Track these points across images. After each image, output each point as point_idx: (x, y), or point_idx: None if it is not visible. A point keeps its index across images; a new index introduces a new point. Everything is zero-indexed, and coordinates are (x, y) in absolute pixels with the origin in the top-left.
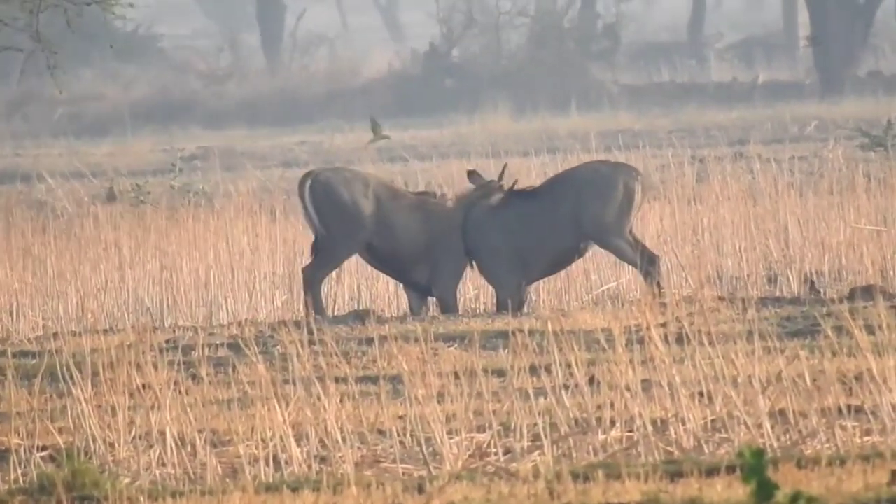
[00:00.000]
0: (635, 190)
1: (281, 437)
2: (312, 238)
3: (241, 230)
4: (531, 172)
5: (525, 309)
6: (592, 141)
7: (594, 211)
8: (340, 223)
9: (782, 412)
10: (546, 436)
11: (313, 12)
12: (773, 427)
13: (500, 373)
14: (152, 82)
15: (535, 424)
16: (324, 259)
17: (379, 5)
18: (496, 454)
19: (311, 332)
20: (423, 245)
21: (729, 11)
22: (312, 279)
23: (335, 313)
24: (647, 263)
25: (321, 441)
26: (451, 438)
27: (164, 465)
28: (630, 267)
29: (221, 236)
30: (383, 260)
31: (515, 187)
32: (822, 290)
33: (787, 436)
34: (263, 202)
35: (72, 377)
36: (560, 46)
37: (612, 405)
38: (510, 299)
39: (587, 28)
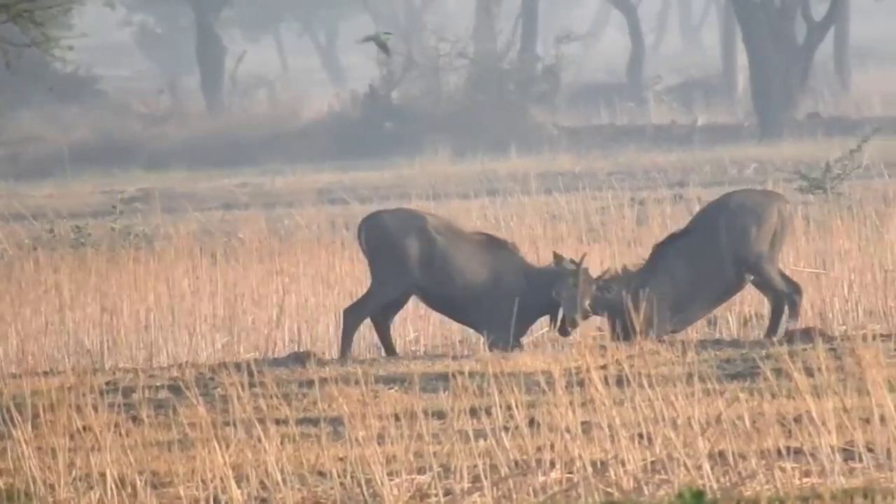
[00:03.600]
0: (788, 216)
1: (221, 479)
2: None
3: (181, 272)
4: (471, 214)
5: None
6: (532, 183)
7: (750, 240)
8: (386, 266)
9: (722, 454)
10: (486, 477)
11: (253, 54)
12: (712, 468)
13: (441, 415)
14: (92, 124)
15: (476, 466)
16: (365, 300)
17: (319, 47)
18: (437, 496)
19: (251, 375)
20: (478, 288)
21: (668, 54)
22: (350, 320)
23: (275, 356)
24: (793, 292)
25: (262, 483)
26: (391, 480)
27: None
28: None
29: (162, 278)
30: (434, 300)
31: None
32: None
33: (727, 477)
34: (204, 244)
35: (12, 419)
36: (500, 88)
37: (552, 447)
38: (662, 334)
39: (526, 70)
